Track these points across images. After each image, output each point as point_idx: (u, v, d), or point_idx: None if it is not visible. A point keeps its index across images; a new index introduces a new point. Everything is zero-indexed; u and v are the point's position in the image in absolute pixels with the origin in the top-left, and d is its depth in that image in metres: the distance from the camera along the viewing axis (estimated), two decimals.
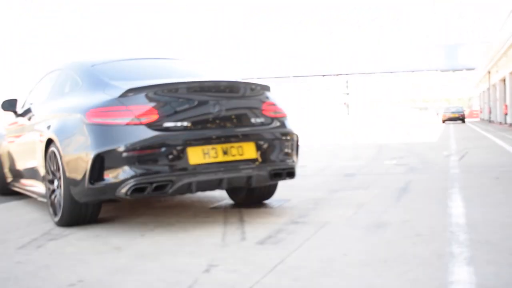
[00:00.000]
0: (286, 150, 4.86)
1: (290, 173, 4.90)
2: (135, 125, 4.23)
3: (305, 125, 42.85)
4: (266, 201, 5.53)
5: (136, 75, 5.00)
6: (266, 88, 4.93)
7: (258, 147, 4.63)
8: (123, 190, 4.18)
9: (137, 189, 4.18)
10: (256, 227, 4.34)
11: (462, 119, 44.16)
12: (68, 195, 4.49)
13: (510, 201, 5.27)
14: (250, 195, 5.39)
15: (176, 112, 4.36)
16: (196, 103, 4.45)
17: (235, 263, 3.30)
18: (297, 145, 5.11)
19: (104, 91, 4.56)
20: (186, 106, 4.41)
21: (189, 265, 3.29)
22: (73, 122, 4.54)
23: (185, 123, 4.36)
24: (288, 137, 4.91)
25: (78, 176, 4.34)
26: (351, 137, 20.88)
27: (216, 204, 5.51)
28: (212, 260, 3.37)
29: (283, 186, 6.81)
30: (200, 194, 6.19)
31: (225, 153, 4.45)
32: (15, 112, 6.26)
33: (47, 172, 4.92)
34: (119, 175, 4.18)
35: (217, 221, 4.62)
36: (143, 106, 4.29)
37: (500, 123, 38.61)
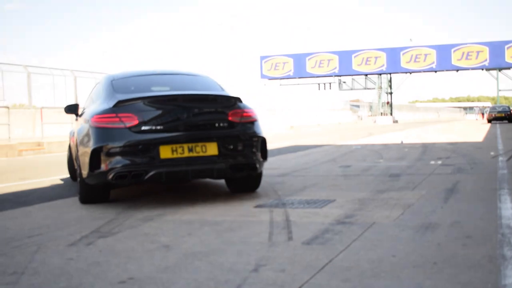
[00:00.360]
0: (249, 149, 5.79)
1: (251, 168, 5.81)
2: (121, 128, 5.43)
3: (347, 124, 42.57)
4: (311, 202, 5.55)
5: (138, 88, 6.13)
6: (236, 99, 5.91)
7: (220, 146, 5.59)
8: (110, 177, 5.39)
9: (120, 176, 5.38)
10: (302, 227, 4.33)
11: (508, 118, 43.04)
12: (81, 180, 5.86)
13: None
14: (238, 185, 6.41)
15: (152, 119, 5.47)
16: (169, 111, 5.55)
17: (283, 262, 3.31)
18: (263, 145, 6.01)
19: (108, 101, 5.75)
20: (161, 114, 5.52)
21: (237, 264, 3.31)
22: (85, 125, 5.83)
23: (159, 127, 5.47)
24: (253, 138, 5.86)
25: (85, 165, 5.62)
26: (395, 137, 20.63)
27: (261, 203, 5.53)
28: (260, 260, 3.38)
29: (327, 186, 6.80)
30: (245, 195, 6.23)
31: (190, 150, 5.48)
32: (76, 114, 7.54)
33: (77, 163, 6.18)
34: (108, 165, 5.40)
35: (263, 221, 4.64)
36: (127, 114, 5.46)
37: None
